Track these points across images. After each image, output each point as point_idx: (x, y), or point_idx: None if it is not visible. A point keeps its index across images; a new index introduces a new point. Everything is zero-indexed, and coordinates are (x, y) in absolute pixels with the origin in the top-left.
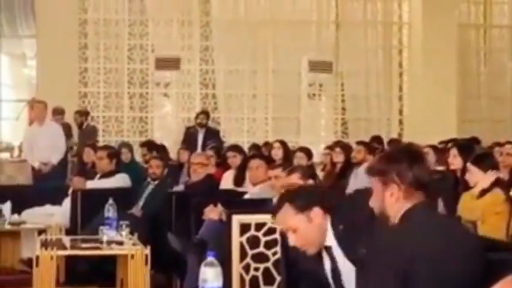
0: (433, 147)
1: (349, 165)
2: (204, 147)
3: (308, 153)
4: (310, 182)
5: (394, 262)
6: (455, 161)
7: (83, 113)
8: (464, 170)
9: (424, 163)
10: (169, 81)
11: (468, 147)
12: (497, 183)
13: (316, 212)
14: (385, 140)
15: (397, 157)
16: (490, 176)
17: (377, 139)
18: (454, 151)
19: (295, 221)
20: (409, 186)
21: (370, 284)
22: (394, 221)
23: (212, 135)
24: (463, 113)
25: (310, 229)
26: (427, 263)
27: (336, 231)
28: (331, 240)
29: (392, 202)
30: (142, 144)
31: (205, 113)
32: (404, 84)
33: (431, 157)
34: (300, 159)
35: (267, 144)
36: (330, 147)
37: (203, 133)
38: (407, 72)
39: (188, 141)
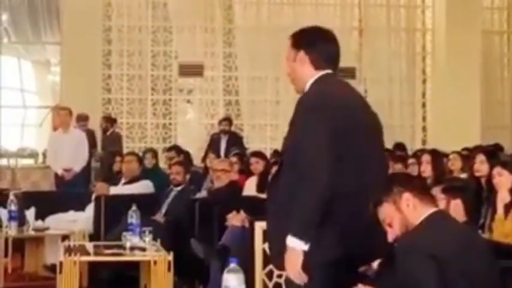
0: (458, 153)
1: None
2: (227, 154)
3: None
4: None
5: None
6: (481, 167)
7: (109, 119)
8: (490, 176)
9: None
10: (193, 87)
11: (494, 154)
12: None
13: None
14: (409, 147)
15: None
16: None
17: (400, 146)
18: (480, 157)
19: None
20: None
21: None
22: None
23: (235, 141)
24: (486, 120)
25: None
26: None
27: None
28: None
29: (411, 210)
30: (170, 148)
31: (228, 119)
32: (428, 91)
33: (457, 163)
34: None
35: None
36: None
37: (226, 139)
38: (430, 79)
39: (212, 147)
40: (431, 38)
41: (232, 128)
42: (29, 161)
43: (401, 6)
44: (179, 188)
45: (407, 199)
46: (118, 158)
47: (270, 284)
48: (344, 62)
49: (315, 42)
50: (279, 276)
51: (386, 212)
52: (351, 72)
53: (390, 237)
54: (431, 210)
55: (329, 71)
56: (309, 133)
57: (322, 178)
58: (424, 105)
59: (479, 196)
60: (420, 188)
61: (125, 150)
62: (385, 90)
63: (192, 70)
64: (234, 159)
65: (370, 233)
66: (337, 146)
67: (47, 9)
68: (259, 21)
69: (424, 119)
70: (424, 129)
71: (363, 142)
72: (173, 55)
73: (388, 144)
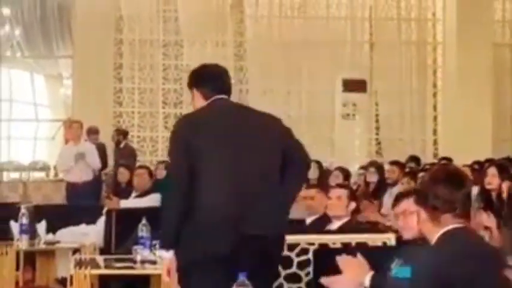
0: (469, 166)
1: (383, 185)
2: None
3: (345, 172)
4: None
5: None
6: (493, 180)
7: (122, 132)
8: (500, 189)
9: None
10: None
11: (506, 167)
12: None
13: None
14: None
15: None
16: None
17: (414, 159)
18: (492, 170)
19: None
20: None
21: None
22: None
23: None
24: (498, 133)
25: None
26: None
27: None
28: None
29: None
30: None
31: None
32: (439, 104)
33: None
34: (335, 177)
35: None
36: (365, 167)
37: None
38: (441, 92)
39: None
40: (442, 51)
41: None
42: (41, 174)
43: (411, 19)
44: None
45: (422, 215)
46: (121, 169)
47: None
48: (355, 75)
49: (201, 80)
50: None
51: (407, 208)
52: (361, 85)
53: (405, 234)
54: (446, 228)
55: (218, 96)
56: (169, 153)
57: (176, 196)
58: (435, 118)
59: (490, 208)
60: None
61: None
62: (396, 103)
63: None
64: None
65: (236, 238)
66: (192, 166)
67: (59, 24)
68: (270, 35)
69: (435, 132)
70: (435, 142)
71: (231, 159)
72: (184, 68)
73: (400, 157)
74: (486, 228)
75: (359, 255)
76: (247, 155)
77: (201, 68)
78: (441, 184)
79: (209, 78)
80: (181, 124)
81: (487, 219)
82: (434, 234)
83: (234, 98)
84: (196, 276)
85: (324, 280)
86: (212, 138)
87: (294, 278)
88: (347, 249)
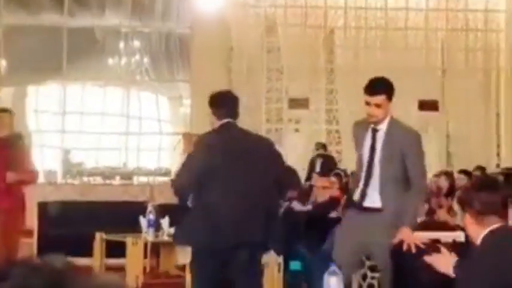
0: None
1: (452, 190)
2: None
3: None
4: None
5: None
6: None
7: None
8: None
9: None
10: (300, 118)
11: None
12: None
13: None
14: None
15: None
16: None
17: (480, 168)
18: None
19: None
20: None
21: None
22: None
23: (328, 163)
24: None
25: None
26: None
27: None
28: None
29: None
30: None
31: (319, 144)
32: (501, 122)
33: None
34: None
35: None
36: (437, 175)
37: (320, 162)
38: (503, 112)
39: (310, 168)
40: (505, 77)
41: (333, 153)
42: (164, 179)
43: (478, 49)
44: (288, 203)
45: (468, 218)
46: None
47: (364, 284)
48: (428, 96)
49: (215, 103)
50: (372, 278)
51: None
52: (434, 105)
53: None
54: (489, 228)
55: (228, 120)
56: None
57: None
58: (498, 140)
59: None
60: (479, 208)
61: None
62: (464, 121)
63: (299, 103)
64: (333, 178)
65: (237, 230)
66: (204, 174)
67: (179, 53)
68: (356, 63)
69: (498, 155)
70: (498, 154)
71: (230, 172)
72: (284, 90)
73: (469, 167)
74: None
75: (443, 249)
76: (247, 175)
77: (217, 94)
78: (482, 190)
79: (222, 104)
80: (201, 142)
81: None
82: (480, 235)
83: (326, 115)
84: (200, 260)
85: (427, 258)
86: (222, 156)
87: (376, 268)
88: (425, 244)
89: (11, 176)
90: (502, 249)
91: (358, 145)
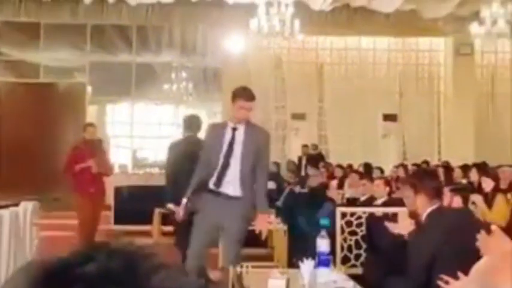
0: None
1: None
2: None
3: (381, 170)
4: (387, 188)
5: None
6: (475, 176)
7: None
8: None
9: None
10: (299, 126)
11: (484, 168)
12: None
13: None
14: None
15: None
16: None
17: (426, 162)
18: (474, 170)
19: None
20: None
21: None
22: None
23: (315, 158)
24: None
25: None
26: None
27: None
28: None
29: (422, 205)
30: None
31: (315, 145)
32: (442, 127)
33: None
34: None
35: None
36: (396, 167)
37: (306, 158)
38: (443, 119)
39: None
40: (444, 99)
41: (323, 151)
42: None
43: (425, 78)
44: (291, 187)
45: (421, 197)
46: None
47: (345, 245)
48: (390, 111)
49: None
50: (350, 240)
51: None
52: (394, 117)
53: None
54: (433, 207)
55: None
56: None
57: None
58: (439, 137)
59: None
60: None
61: None
62: (415, 131)
63: (299, 116)
64: (322, 169)
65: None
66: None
67: (214, 81)
68: (339, 88)
69: (439, 153)
70: (439, 153)
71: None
72: (288, 107)
73: (419, 161)
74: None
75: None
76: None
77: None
78: (426, 178)
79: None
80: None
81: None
82: (425, 212)
83: (317, 124)
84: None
85: (388, 224)
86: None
87: (353, 233)
88: (387, 216)
89: (95, 168)
90: (441, 222)
91: (213, 142)
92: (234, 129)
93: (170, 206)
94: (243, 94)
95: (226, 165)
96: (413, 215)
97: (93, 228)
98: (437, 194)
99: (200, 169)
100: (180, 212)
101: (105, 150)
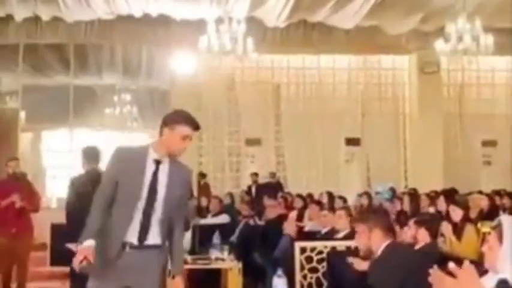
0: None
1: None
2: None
3: (344, 199)
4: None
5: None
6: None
7: (203, 175)
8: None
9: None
10: (254, 153)
11: (452, 195)
12: None
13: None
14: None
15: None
16: None
17: (392, 189)
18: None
19: None
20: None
21: None
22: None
23: (275, 188)
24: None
25: None
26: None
27: None
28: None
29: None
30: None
31: (273, 173)
32: (408, 152)
33: None
34: (338, 202)
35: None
36: (360, 195)
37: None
38: (409, 148)
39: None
40: (409, 120)
41: (281, 179)
42: None
43: (388, 98)
44: (245, 220)
45: (376, 233)
46: (205, 199)
47: (305, 283)
48: (352, 134)
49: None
50: (311, 277)
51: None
52: (357, 141)
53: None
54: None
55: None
56: None
57: None
58: (405, 161)
59: None
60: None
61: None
62: (379, 155)
63: (253, 141)
64: (280, 200)
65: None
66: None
67: (161, 104)
68: (297, 110)
69: (406, 179)
70: (405, 179)
71: None
72: (242, 132)
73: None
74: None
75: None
76: None
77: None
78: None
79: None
80: None
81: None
82: (380, 247)
83: (275, 150)
84: None
85: (350, 259)
86: None
87: (314, 270)
88: (350, 250)
89: (18, 203)
90: (396, 257)
91: (128, 176)
92: (158, 163)
93: (70, 246)
94: (190, 121)
95: (149, 212)
96: (367, 253)
97: (20, 274)
98: (390, 230)
99: (102, 209)
100: (76, 259)
101: (30, 183)
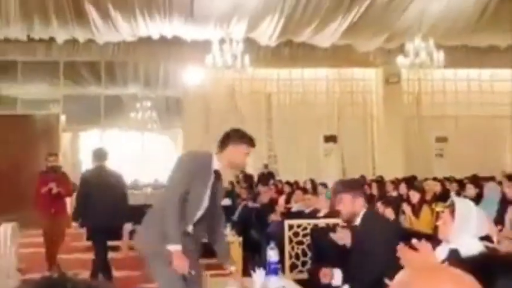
0: (392, 182)
1: None
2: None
3: (325, 185)
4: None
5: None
6: (404, 189)
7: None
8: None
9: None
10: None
11: (412, 182)
12: None
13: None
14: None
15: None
16: None
17: (362, 177)
18: (403, 184)
19: None
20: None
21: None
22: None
23: (267, 177)
24: (408, 160)
25: None
26: None
27: None
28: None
29: (360, 207)
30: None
31: (265, 164)
32: (375, 144)
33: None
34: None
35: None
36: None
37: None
38: (376, 138)
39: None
40: (376, 121)
41: (272, 169)
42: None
43: (360, 104)
44: (244, 202)
45: (359, 200)
46: None
47: (293, 253)
48: (330, 133)
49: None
50: (298, 249)
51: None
52: (334, 139)
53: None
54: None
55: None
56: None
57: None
58: (373, 159)
59: None
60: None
61: None
62: (352, 150)
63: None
64: (272, 186)
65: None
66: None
67: (176, 110)
68: (285, 115)
69: (374, 168)
70: (373, 169)
71: None
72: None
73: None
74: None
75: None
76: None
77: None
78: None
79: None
80: None
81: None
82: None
83: (267, 146)
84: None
85: (332, 235)
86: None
87: (300, 243)
88: (328, 227)
89: (55, 189)
90: (377, 223)
91: (198, 179)
92: (217, 174)
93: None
94: (251, 140)
95: (204, 217)
96: (351, 217)
97: (55, 245)
98: (369, 201)
99: (179, 206)
100: (182, 265)
101: (65, 173)
